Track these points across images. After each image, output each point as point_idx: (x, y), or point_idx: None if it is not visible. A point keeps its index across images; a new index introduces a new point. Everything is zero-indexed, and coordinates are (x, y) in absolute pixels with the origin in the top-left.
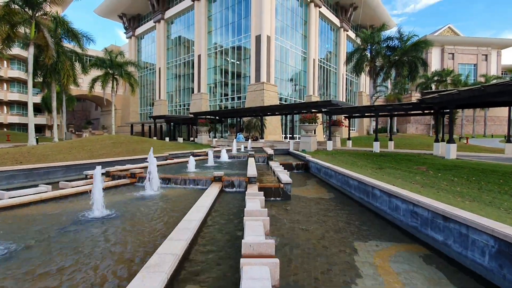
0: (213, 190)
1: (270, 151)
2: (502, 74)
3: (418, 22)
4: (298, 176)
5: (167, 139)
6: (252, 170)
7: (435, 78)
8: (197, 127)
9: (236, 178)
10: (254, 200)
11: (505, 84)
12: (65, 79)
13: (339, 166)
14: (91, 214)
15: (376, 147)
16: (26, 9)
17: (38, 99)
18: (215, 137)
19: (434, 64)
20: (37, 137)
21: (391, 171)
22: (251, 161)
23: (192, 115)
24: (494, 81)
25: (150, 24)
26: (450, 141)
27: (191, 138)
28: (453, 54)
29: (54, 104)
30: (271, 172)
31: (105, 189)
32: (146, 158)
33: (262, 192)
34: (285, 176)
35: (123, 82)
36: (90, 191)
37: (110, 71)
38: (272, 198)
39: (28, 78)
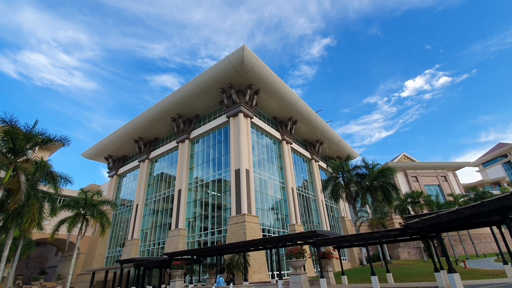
0: None
1: None
2: (465, 192)
3: (376, 152)
4: None
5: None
6: None
7: (409, 199)
8: (171, 271)
9: None
10: None
11: (479, 206)
12: (27, 224)
13: None
14: None
15: (375, 283)
16: (8, 155)
17: None
18: (191, 282)
19: (403, 186)
20: None
21: None
22: None
23: (166, 257)
24: (462, 199)
25: (135, 163)
26: (451, 270)
27: (163, 285)
28: (416, 177)
29: (6, 253)
30: None
31: None
32: None
33: None
34: None
35: (93, 222)
36: None
37: (82, 211)
38: None
39: None
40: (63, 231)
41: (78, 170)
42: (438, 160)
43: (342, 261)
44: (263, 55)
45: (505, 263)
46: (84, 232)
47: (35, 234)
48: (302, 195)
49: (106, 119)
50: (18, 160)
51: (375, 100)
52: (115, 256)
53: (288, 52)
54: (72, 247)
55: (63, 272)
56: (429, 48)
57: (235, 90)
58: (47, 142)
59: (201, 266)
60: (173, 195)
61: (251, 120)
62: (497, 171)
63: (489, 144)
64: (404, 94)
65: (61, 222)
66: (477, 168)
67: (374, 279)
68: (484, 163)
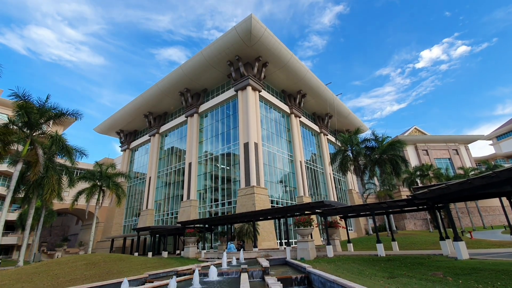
0: None
1: (265, 263)
2: (476, 165)
3: (387, 125)
4: None
5: (150, 254)
6: None
7: (418, 173)
8: (185, 238)
9: None
10: None
11: (490, 176)
12: (48, 194)
13: (346, 277)
14: None
15: (381, 250)
16: (24, 129)
17: (15, 216)
18: (204, 248)
19: (412, 160)
20: (0, 260)
21: (406, 280)
22: (244, 278)
23: (179, 225)
24: (472, 173)
25: (145, 137)
26: (457, 239)
27: (177, 251)
28: (426, 150)
29: (29, 221)
30: None
31: None
32: (122, 282)
33: None
34: None
35: (110, 193)
36: None
37: (98, 183)
38: None
39: (7, 195)
40: (82, 201)
41: (92, 145)
42: (450, 134)
43: (349, 231)
44: (271, 25)
45: None
46: (102, 203)
47: (56, 205)
48: (310, 168)
49: (115, 94)
50: (34, 134)
51: (388, 72)
52: (132, 225)
53: (297, 22)
54: (91, 216)
55: (84, 239)
56: (448, 14)
57: (243, 62)
58: (60, 116)
59: (212, 234)
60: (183, 168)
61: (260, 93)
62: (511, 145)
63: (505, 117)
64: (419, 65)
65: (79, 193)
66: (490, 142)
67: (380, 246)
68: (498, 136)
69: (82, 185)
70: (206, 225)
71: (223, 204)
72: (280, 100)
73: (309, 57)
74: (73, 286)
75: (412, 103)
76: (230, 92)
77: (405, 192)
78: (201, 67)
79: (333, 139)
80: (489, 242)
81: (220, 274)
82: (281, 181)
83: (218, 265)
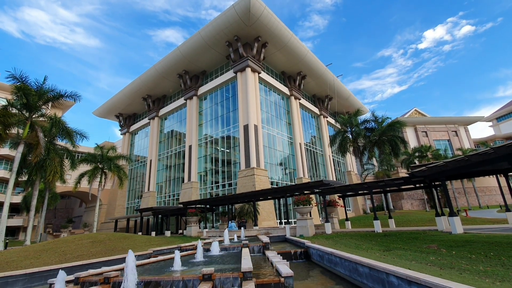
0: None
1: (265, 239)
2: (475, 147)
3: (387, 108)
4: (299, 266)
5: (153, 233)
6: (246, 263)
7: (416, 154)
8: (187, 217)
9: (229, 275)
10: None
11: (486, 153)
12: (50, 176)
13: (343, 251)
14: None
15: (378, 226)
16: (24, 112)
17: (19, 198)
18: (205, 227)
19: (411, 142)
20: (7, 240)
21: (401, 253)
22: (246, 252)
23: (181, 205)
24: (470, 154)
25: (145, 121)
26: (452, 214)
27: (180, 231)
28: (426, 132)
29: (34, 202)
30: (268, 263)
31: None
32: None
33: None
34: (284, 268)
35: (111, 175)
36: None
37: (100, 165)
38: None
39: (11, 177)
40: (84, 184)
41: (92, 129)
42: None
43: (347, 211)
44: (271, 4)
45: (508, 211)
46: (104, 185)
47: (59, 187)
48: (310, 150)
49: (112, 77)
50: (33, 116)
51: (390, 52)
52: (134, 207)
53: (298, 0)
54: (94, 199)
55: (88, 220)
56: None
57: (242, 43)
58: (59, 98)
59: (213, 214)
60: (184, 151)
61: (259, 75)
62: (510, 126)
63: (506, 99)
64: (422, 46)
65: (82, 175)
66: (490, 124)
67: (377, 223)
68: (498, 118)
69: (84, 167)
70: (207, 206)
71: (223, 186)
72: (280, 82)
73: (309, 38)
74: (80, 261)
75: (414, 85)
76: (229, 74)
77: (403, 174)
78: (199, 48)
79: (333, 121)
80: (484, 220)
81: (222, 249)
82: (281, 163)
83: (220, 242)
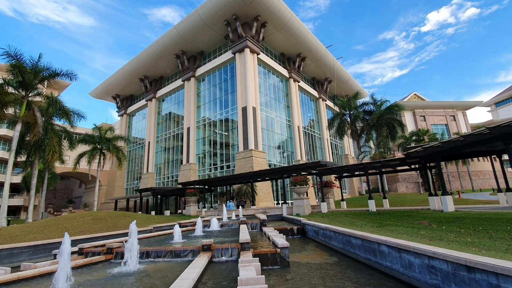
0: (200, 261)
1: (263, 217)
2: (472, 131)
3: (387, 92)
4: (295, 241)
5: (153, 213)
6: (244, 235)
7: (413, 137)
8: (186, 197)
9: (228, 246)
10: (249, 268)
11: (481, 133)
12: (49, 156)
13: (338, 227)
14: None
15: (372, 205)
16: (20, 90)
17: (19, 178)
18: (204, 207)
19: (409, 126)
20: (9, 219)
21: (393, 228)
22: (244, 227)
23: (180, 186)
24: None
25: (142, 102)
26: (445, 193)
27: (179, 211)
28: (424, 116)
29: (34, 181)
30: (265, 238)
31: (75, 268)
32: (128, 233)
33: (257, 258)
34: (281, 240)
35: (110, 156)
36: (54, 272)
37: (98, 146)
38: (269, 267)
39: (10, 155)
40: (83, 165)
41: (88, 111)
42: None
43: (343, 193)
44: None
45: (500, 191)
46: (103, 165)
47: (58, 168)
48: (308, 133)
49: (108, 58)
50: (30, 95)
51: (392, 35)
52: (133, 188)
53: None
54: (93, 179)
55: (88, 201)
56: None
57: (241, 22)
58: (54, 76)
59: (212, 195)
60: (182, 133)
61: (258, 56)
62: (509, 112)
63: (507, 84)
64: (425, 29)
65: (81, 155)
66: (489, 109)
67: (371, 202)
68: (497, 103)
69: (83, 148)
70: (206, 186)
71: (221, 168)
72: (279, 63)
73: (310, 19)
74: (83, 235)
75: (415, 69)
76: (227, 55)
77: (400, 156)
78: (196, 27)
79: (331, 104)
80: (475, 201)
81: (221, 225)
82: (279, 146)
83: (219, 219)
